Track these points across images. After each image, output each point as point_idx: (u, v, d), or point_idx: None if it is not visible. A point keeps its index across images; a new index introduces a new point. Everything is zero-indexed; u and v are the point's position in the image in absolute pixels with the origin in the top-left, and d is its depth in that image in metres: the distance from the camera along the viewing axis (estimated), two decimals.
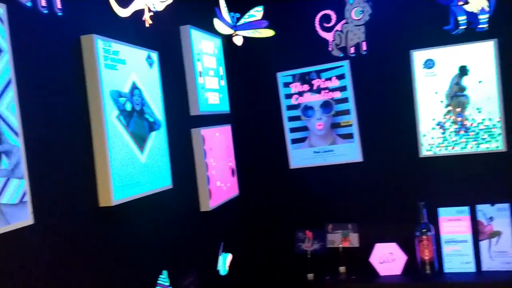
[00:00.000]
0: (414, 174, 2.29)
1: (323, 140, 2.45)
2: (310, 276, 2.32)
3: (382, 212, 2.34)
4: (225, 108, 2.25)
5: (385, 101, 2.34)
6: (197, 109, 1.92)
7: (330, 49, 2.40)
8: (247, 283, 2.34)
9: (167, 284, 1.62)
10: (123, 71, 1.45)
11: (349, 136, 2.40)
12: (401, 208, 2.29)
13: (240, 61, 2.47)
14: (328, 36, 2.40)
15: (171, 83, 1.78)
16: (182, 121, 1.88)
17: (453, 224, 2.22)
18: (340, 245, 2.34)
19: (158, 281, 1.59)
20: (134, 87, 1.51)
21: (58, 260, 1.18)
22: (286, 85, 2.49)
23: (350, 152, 2.40)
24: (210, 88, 2.07)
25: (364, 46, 2.35)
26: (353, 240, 2.33)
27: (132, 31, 1.57)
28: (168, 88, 1.73)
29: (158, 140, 1.62)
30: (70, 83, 1.29)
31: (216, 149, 2.09)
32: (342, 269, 2.32)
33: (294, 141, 2.49)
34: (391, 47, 2.31)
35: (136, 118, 1.50)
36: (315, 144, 2.46)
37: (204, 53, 2.04)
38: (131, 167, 1.44)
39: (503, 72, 2.13)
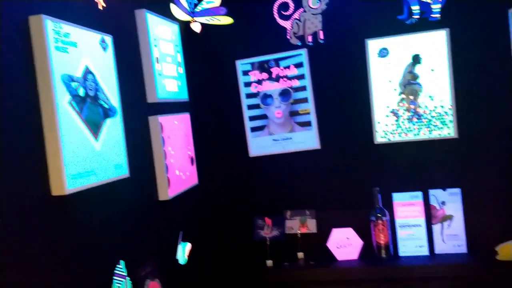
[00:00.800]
0: (369, 161, 2.35)
1: (282, 128, 2.47)
2: (269, 262, 2.34)
3: (339, 198, 2.39)
4: (184, 96, 2.21)
5: (342, 89, 2.38)
6: (155, 96, 1.87)
7: (288, 37, 2.41)
8: (207, 272, 2.33)
9: (125, 274, 1.59)
10: (75, 54, 1.39)
11: (307, 124, 2.43)
12: (357, 194, 2.35)
13: (198, 49, 2.43)
14: (286, 24, 2.41)
15: (127, 68, 1.73)
16: (139, 108, 1.83)
17: (407, 209, 2.30)
18: (298, 231, 2.37)
19: (115, 271, 1.55)
20: (87, 72, 1.45)
21: (7, 251, 1.12)
22: (245, 73, 2.48)
23: (308, 139, 2.43)
24: (168, 75, 2.02)
25: (321, 35, 2.38)
26: (311, 226, 2.37)
27: (84, 13, 1.51)
28: (123, 73, 1.67)
29: (114, 127, 1.57)
30: (18, 67, 1.22)
31: (175, 138, 2.05)
32: (300, 254, 2.36)
33: (254, 129, 2.49)
34: (347, 36, 2.35)
35: (89, 104, 1.45)
36: (274, 132, 2.47)
37: (161, 38, 1.99)
38: (85, 155, 1.39)
39: (454, 61, 2.21)
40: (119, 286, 1.55)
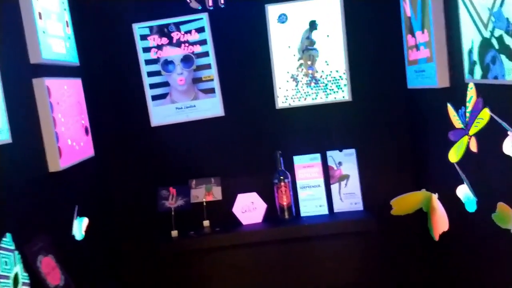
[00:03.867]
0: (272, 125, 2.39)
1: (185, 96, 2.41)
2: (174, 233, 2.29)
3: (243, 163, 2.41)
4: (74, 59, 2.05)
5: (244, 55, 2.37)
6: (39, 56, 1.71)
7: (188, 0, 2.33)
8: (108, 247, 2.22)
9: (13, 248, 1.44)
10: None
11: (211, 91, 2.39)
12: (261, 159, 2.38)
13: (90, 8, 2.27)
14: None
15: (4, 23, 1.55)
16: (21, 69, 1.66)
17: (307, 170, 2.39)
18: (204, 200, 2.36)
19: (1, 245, 1.40)
20: None
21: None
22: (144, 37, 2.37)
23: (212, 107, 2.40)
24: (54, 34, 1.85)
25: None
26: (216, 193, 2.36)
27: None
28: (0, 28, 1.50)
29: None
30: None
31: (65, 104, 1.90)
32: (206, 223, 2.35)
33: (155, 97, 2.40)
34: (247, 0, 2.34)
35: None
36: (177, 100, 2.40)
37: None
38: None
39: (348, 27, 2.31)
40: (6, 261, 1.41)
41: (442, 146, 1.87)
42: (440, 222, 1.98)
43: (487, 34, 1.34)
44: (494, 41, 1.30)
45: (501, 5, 1.23)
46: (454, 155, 1.77)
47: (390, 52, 2.29)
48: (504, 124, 1.34)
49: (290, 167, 2.38)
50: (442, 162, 1.89)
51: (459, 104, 1.69)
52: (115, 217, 2.38)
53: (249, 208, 2.34)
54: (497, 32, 1.27)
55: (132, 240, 2.39)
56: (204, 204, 2.36)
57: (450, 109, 1.77)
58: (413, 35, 2.03)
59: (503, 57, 1.26)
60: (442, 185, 2.00)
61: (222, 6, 2.32)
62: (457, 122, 1.72)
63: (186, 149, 2.41)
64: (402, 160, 2.37)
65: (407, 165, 2.37)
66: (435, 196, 2.06)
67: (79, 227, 1.94)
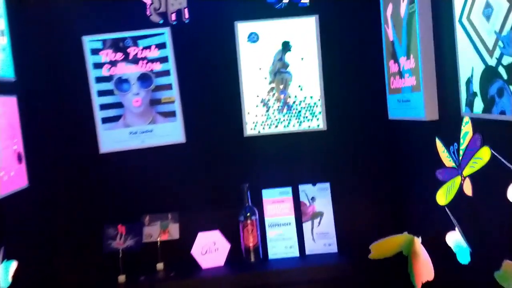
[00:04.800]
0: (239, 155, 2.14)
1: (141, 119, 2.13)
2: (122, 278, 1.97)
3: (205, 197, 2.13)
4: (8, 73, 1.75)
5: (210, 76, 2.13)
6: None
7: (148, 13, 2.09)
8: None
9: None
10: None
11: (171, 114, 2.13)
12: (225, 192, 2.12)
13: (33, 16, 1.98)
14: None
15: None
16: None
17: (277, 206, 2.14)
18: (158, 239, 2.05)
19: None
20: None
21: None
22: (95, 52, 2.09)
23: (171, 132, 2.13)
24: None
25: (186, 14, 2.10)
26: (173, 231, 2.07)
27: None
28: None
29: None
30: None
31: None
32: (160, 266, 2.04)
33: (106, 120, 2.11)
34: (215, 16, 2.11)
35: None
36: (131, 124, 2.12)
37: None
38: None
39: (323, 50, 2.11)
40: None
41: (428, 185, 1.66)
42: (424, 269, 1.78)
43: (492, 62, 1.14)
44: (502, 70, 1.10)
45: None
46: (443, 196, 1.57)
47: (369, 78, 2.10)
48: None
49: (258, 202, 2.12)
50: (428, 203, 1.68)
51: (451, 139, 1.49)
52: (52, 259, 2.05)
53: (210, 248, 2.05)
54: (507, 60, 1.07)
55: (73, 286, 2.05)
56: (159, 244, 2.05)
57: (439, 144, 1.57)
58: (396, 61, 1.84)
59: None
60: (427, 229, 1.79)
61: (187, 21, 2.10)
62: (447, 160, 1.52)
63: (139, 180, 2.11)
64: (381, 197, 2.16)
65: (387, 203, 2.15)
66: (417, 240, 1.86)
67: (5, 272, 1.61)
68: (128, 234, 2.02)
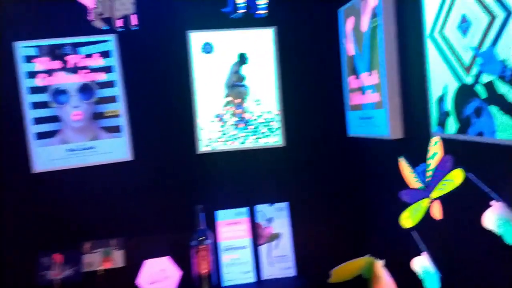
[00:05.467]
0: (191, 174, 1.98)
1: (81, 135, 1.92)
2: None
3: (154, 221, 1.95)
4: None
5: (159, 88, 1.96)
6: None
7: (90, 18, 1.89)
8: None
9: None
10: None
11: (116, 129, 1.93)
12: (176, 214, 1.95)
13: None
14: (87, 1, 1.89)
15: None
16: None
17: (232, 228, 1.99)
18: (101, 268, 1.84)
19: None
20: None
21: None
22: (29, 59, 1.86)
23: (116, 149, 1.94)
24: None
25: (134, 20, 1.93)
26: (117, 259, 1.86)
27: None
28: None
29: None
30: None
31: None
32: None
33: (40, 135, 1.88)
34: (166, 24, 1.95)
35: None
36: (70, 140, 1.91)
37: None
38: None
39: (281, 63, 2.01)
40: None
41: (392, 206, 1.59)
42: None
43: (469, 80, 1.07)
44: (480, 89, 1.03)
45: (493, 43, 0.97)
46: (409, 219, 1.50)
47: (329, 94, 2.02)
48: (490, 191, 1.07)
49: (212, 225, 1.97)
50: (392, 225, 1.61)
51: (418, 159, 1.43)
52: None
53: (159, 277, 1.87)
54: (486, 78, 1.01)
55: None
56: (101, 273, 1.84)
57: (404, 164, 1.51)
58: (358, 77, 1.77)
59: (493, 109, 0.99)
60: (392, 253, 1.72)
61: (134, 28, 1.93)
62: (413, 181, 1.46)
63: (79, 202, 1.90)
64: (342, 217, 2.07)
65: (349, 224, 2.07)
66: (379, 263, 1.79)
67: None
68: (66, 263, 1.80)
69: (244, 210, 2.01)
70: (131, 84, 1.94)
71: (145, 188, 1.95)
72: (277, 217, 2.03)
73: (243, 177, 2.02)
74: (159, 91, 1.96)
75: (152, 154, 1.96)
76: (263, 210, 2.03)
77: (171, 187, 1.97)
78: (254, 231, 2.02)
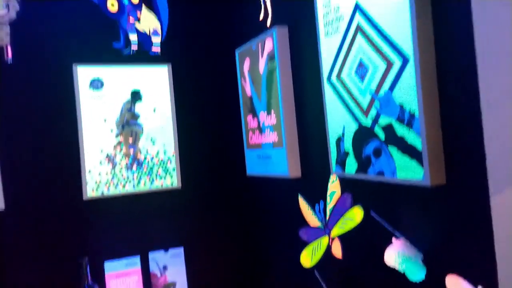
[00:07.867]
0: (76, 222, 1.77)
1: None
2: None
3: (33, 276, 1.70)
4: None
5: (40, 127, 1.76)
6: None
7: None
8: None
9: None
10: None
11: None
12: (59, 268, 1.72)
13: None
14: None
15: None
16: None
17: (122, 281, 1.82)
18: None
19: None
20: None
21: None
22: None
23: None
24: None
25: (9, 52, 1.72)
26: None
27: None
28: None
29: None
30: None
31: None
32: None
33: None
34: (49, 56, 1.78)
35: None
36: None
37: None
38: None
39: (177, 101, 1.95)
40: None
41: (292, 245, 1.59)
42: None
43: (367, 122, 1.13)
44: (378, 130, 1.09)
45: (391, 88, 1.03)
46: (308, 258, 1.50)
47: (227, 132, 2.00)
48: (392, 229, 1.12)
49: (101, 277, 1.77)
50: (292, 265, 1.60)
51: (317, 198, 1.45)
52: None
53: None
54: (384, 120, 1.06)
55: None
56: None
57: (302, 202, 1.52)
58: (255, 116, 1.78)
59: (393, 149, 1.05)
60: None
61: (10, 62, 1.71)
62: (312, 219, 1.47)
63: None
64: (240, 259, 2.02)
65: (247, 265, 2.02)
66: None
67: None
68: None
69: (136, 259, 1.86)
70: (7, 122, 1.71)
71: (23, 240, 1.70)
72: (172, 264, 1.90)
73: (136, 223, 1.87)
74: (41, 131, 1.75)
75: (31, 201, 1.73)
76: (157, 257, 1.89)
77: (53, 238, 1.74)
78: (147, 282, 1.86)
